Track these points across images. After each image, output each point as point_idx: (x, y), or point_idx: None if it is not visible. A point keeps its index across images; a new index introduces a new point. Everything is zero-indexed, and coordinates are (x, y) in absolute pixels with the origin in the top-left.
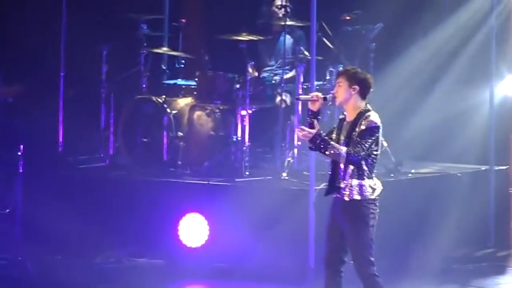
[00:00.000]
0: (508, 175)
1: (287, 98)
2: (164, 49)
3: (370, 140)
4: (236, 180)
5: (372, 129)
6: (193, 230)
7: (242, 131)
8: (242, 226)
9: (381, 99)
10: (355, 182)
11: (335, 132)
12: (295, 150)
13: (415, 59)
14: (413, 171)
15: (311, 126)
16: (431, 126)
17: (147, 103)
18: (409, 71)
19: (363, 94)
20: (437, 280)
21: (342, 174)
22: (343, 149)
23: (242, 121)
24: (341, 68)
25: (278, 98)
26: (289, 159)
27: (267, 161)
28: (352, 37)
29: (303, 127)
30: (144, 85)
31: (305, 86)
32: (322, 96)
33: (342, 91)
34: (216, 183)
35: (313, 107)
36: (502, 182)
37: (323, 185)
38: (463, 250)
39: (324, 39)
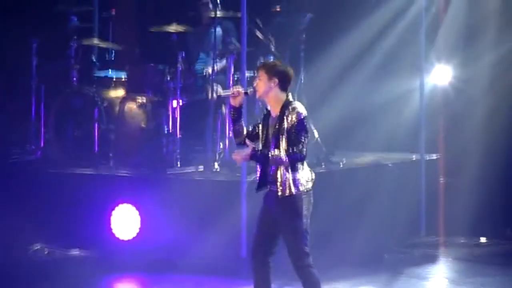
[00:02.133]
0: (438, 164)
1: (218, 89)
2: (94, 41)
3: (304, 133)
4: (168, 172)
5: (303, 121)
6: (125, 222)
7: (173, 122)
8: (174, 218)
9: (312, 90)
10: (288, 176)
11: (260, 127)
12: (227, 141)
13: (346, 49)
14: (344, 161)
15: (235, 121)
16: (362, 116)
17: (77, 95)
18: (340, 62)
19: (283, 86)
20: (370, 269)
21: (274, 169)
22: (282, 154)
23: (173, 112)
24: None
25: (209, 90)
26: (220, 150)
27: (198, 152)
28: (283, 28)
29: (236, 151)
30: (74, 78)
31: (236, 77)
32: (243, 90)
33: (262, 84)
34: (147, 175)
35: (234, 102)
36: (432, 171)
37: (254, 177)
38: (394, 239)
39: (255, 30)
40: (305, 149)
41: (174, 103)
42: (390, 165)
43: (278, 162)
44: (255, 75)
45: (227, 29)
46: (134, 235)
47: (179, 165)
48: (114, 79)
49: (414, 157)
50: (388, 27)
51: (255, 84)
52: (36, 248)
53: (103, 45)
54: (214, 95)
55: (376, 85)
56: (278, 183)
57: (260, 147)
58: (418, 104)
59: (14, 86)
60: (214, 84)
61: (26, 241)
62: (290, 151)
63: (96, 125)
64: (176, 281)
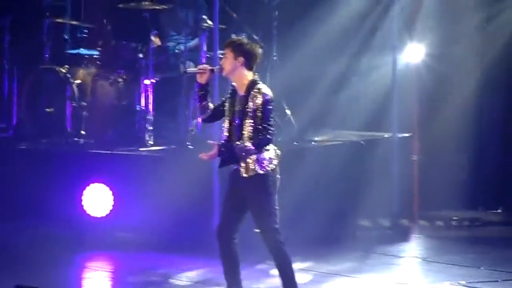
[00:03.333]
0: (411, 142)
1: (190, 67)
2: (66, 19)
3: (270, 115)
4: (140, 149)
5: (268, 102)
6: (97, 200)
7: (146, 100)
8: (146, 196)
9: (285, 67)
10: (253, 157)
11: (227, 105)
12: (199, 119)
13: (319, 27)
14: (316, 138)
15: (201, 99)
16: (335, 93)
17: (50, 73)
18: (312, 39)
19: (249, 65)
20: (342, 247)
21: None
22: (248, 144)
23: (146, 90)
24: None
25: (182, 67)
26: (192, 128)
27: (171, 130)
28: (255, 5)
29: (203, 154)
30: (47, 55)
31: (208, 55)
32: (210, 68)
33: (228, 62)
34: (120, 152)
35: (201, 79)
36: (405, 149)
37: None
38: (367, 218)
39: (227, 8)
40: (271, 132)
41: (147, 81)
42: (362, 142)
43: (246, 152)
44: (223, 51)
45: (199, 7)
46: (107, 212)
47: (151, 143)
48: (87, 57)
49: (386, 135)
50: (362, 5)
51: (221, 62)
52: (7, 226)
53: (75, 22)
54: (182, 71)
55: (349, 63)
56: (242, 164)
57: (227, 124)
58: (391, 82)
59: None
60: (187, 62)
61: None
62: (258, 136)
63: (69, 102)
64: (148, 259)
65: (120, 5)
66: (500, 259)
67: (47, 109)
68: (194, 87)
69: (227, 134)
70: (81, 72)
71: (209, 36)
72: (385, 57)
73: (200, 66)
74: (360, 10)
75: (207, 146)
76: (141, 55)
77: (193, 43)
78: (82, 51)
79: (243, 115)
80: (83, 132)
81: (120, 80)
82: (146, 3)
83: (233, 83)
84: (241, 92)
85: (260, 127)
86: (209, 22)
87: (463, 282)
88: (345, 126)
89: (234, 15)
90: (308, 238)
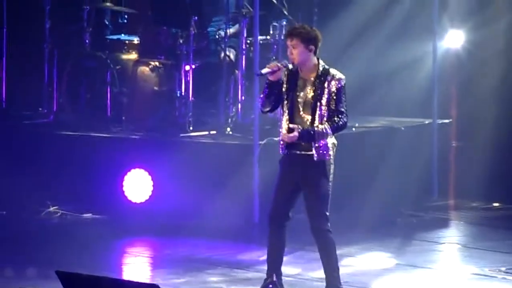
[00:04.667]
0: (451, 128)
1: (231, 53)
2: (107, 4)
3: (345, 100)
4: (181, 135)
5: (343, 88)
6: (137, 185)
7: (186, 86)
8: (187, 182)
9: (325, 54)
10: (323, 142)
11: (284, 88)
12: (239, 105)
13: (360, 13)
14: (356, 125)
15: (270, 95)
16: (375, 80)
17: (90, 58)
18: (353, 26)
19: (316, 51)
20: (382, 233)
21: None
22: (327, 126)
23: (186, 76)
24: (286, 26)
25: (222, 54)
26: (233, 114)
27: (211, 116)
28: None
29: (284, 133)
30: (87, 41)
31: (248, 41)
32: (282, 65)
33: (298, 53)
34: (160, 138)
35: (274, 77)
36: (445, 135)
37: (268, 140)
38: (407, 203)
39: None
40: (347, 116)
41: (187, 66)
42: (403, 128)
43: (324, 135)
44: (289, 42)
45: None
46: (147, 198)
47: (191, 129)
48: (127, 42)
49: (426, 121)
50: None
51: (289, 53)
52: (49, 210)
53: (116, 8)
54: (226, 59)
55: (389, 49)
56: (314, 148)
57: (287, 108)
58: (431, 69)
59: (27, 49)
60: (227, 48)
61: (39, 204)
62: (335, 120)
63: (109, 88)
64: (187, 245)
65: None
66: None
67: (87, 95)
68: (234, 73)
69: (288, 118)
70: (122, 57)
71: (249, 22)
72: (426, 43)
73: (272, 65)
74: None
75: (247, 132)
76: (181, 41)
77: (233, 29)
78: (123, 36)
79: (316, 101)
80: (123, 118)
81: (160, 66)
82: None
83: (290, 66)
84: (310, 76)
85: (335, 111)
86: (250, 8)
87: (503, 269)
88: (386, 112)
89: (275, 1)
90: (349, 224)
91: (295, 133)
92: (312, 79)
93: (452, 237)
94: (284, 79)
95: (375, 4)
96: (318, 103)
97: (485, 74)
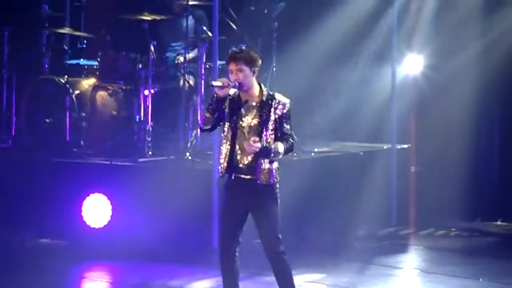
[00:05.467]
0: (409, 153)
1: (190, 78)
2: (66, 29)
3: (290, 122)
4: (139, 160)
5: (289, 111)
6: (96, 210)
7: (145, 111)
8: (146, 207)
9: (284, 78)
10: (268, 166)
11: (228, 113)
12: (198, 130)
13: (319, 38)
14: (316, 150)
15: (214, 112)
16: (334, 105)
17: (49, 83)
18: (312, 51)
19: (256, 74)
20: (340, 258)
21: (255, 158)
22: (280, 146)
23: (145, 101)
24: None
25: (181, 79)
26: (192, 139)
27: (170, 141)
28: (255, 17)
29: (253, 139)
30: (46, 66)
31: (207, 66)
32: (231, 83)
33: (244, 76)
34: (119, 163)
35: (223, 93)
36: (403, 160)
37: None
38: (365, 229)
39: (227, 19)
40: (293, 139)
41: (146, 91)
42: (361, 153)
43: (276, 155)
44: (234, 66)
45: (199, 18)
46: (105, 223)
47: (150, 153)
48: (86, 67)
49: (385, 146)
50: (360, 17)
51: (236, 77)
52: (6, 237)
53: (75, 33)
54: (186, 84)
55: (348, 74)
56: (259, 173)
57: (230, 133)
58: (389, 94)
59: None
60: (187, 73)
61: None
62: (287, 143)
63: (68, 113)
64: (146, 270)
65: (120, 16)
66: (499, 271)
67: (46, 120)
68: (192, 99)
69: (231, 144)
70: (81, 82)
71: (208, 47)
72: (384, 68)
73: (223, 80)
74: (358, 22)
75: (206, 157)
76: (140, 66)
77: (192, 54)
78: (82, 61)
79: (262, 124)
80: (82, 143)
81: (119, 90)
82: (146, 14)
83: (233, 92)
84: (254, 101)
85: (283, 134)
86: (209, 33)
87: None
88: (344, 137)
89: (234, 26)
90: (307, 248)
91: (258, 145)
92: (257, 104)
93: (411, 262)
94: (226, 104)
95: (335, 30)
96: (264, 128)
97: (444, 99)
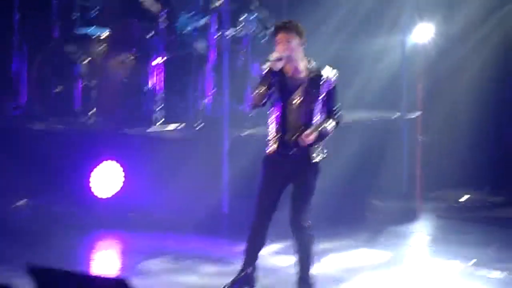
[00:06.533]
0: (417, 122)
1: (200, 47)
2: None
3: (337, 96)
4: (149, 129)
5: (336, 86)
6: (107, 178)
7: (155, 79)
8: (156, 175)
9: None
10: (316, 145)
11: (276, 87)
12: (208, 99)
13: (329, 6)
14: None
15: (269, 86)
16: (344, 74)
17: (59, 52)
18: (322, 19)
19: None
20: (351, 226)
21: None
22: (329, 125)
23: (156, 69)
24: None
25: (192, 47)
26: (202, 107)
27: (180, 109)
28: None
29: (307, 133)
30: (56, 34)
31: (218, 34)
32: (284, 56)
33: (293, 47)
34: (129, 131)
35: (276, 66)
36: (411, 129)
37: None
38: (377, 198)
39: None
40: (341, 113)
41: (157, 59)
42: (372, 122)
43: (326, 135)
44: (285, 36)
45: None
46: (117, 191)
47: (160, 122)
48: (96, 36)
49: (395, 115)
50: None
51: (284, 47)
52: (19, 204)
53: (84, 1)
54: (196, 52)
55: (357, 43)
56: (309, 151)
57: (279, 107)
58: (400, 62)
59: None
60: (196, 42)
61: (9, 197)
62: (335, 118)
63: (78, 81)
64: (157, 239)
65: None
66: (507, 239)
67: (56, 88)
68: (203, 67)
69: (282, 117)
70: (91, 51)
71: (218, 16)
72: (395, 37)
73: (277, 53)
74: None
75: (217, 126)
76: (150, 34)
77: (202, 22)
78: (92, 30)
79: (311, 97)
80: (92, 111)
81: (129, 59)
82: None
83: (277, 65)
84: (300, 74)
85: (332, 110)
86: (219, 1)
87: (472, 262)
88: (355, 106)
89: None
90: (318, 217)
91: (311, 137)
92: (304, 80)
93: (422, 230)
94: (269, 77)
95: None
96: (314, 107)
97: (454, 69)
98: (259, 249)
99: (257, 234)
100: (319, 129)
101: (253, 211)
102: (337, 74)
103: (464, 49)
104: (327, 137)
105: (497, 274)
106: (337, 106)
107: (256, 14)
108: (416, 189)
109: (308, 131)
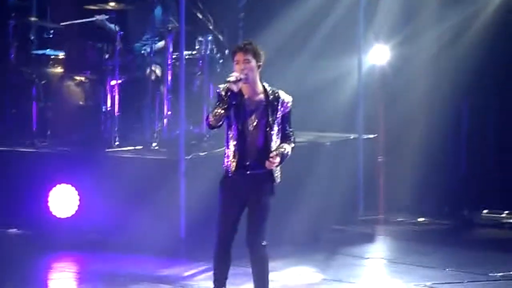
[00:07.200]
0: (376, 143)
1: (156, 68)
2: (32, 19)
3: (291, 121)
4: (106, 150)
5: (291, 110)
6: (63, 200)
7: (112, 101)
8: (113, 197)
9: None
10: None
11: (232, 109)
12: (165, 120)
13: (285, 28)
14: None
15: (229, 108)
16: (300, 95)
17: (15, 73)
18: (279, 41)
19: (260, 69)
20: (307, 248)
21: (262, 155)
22: (289, 148)
23: (112, 91)
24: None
25: (148, 69)
26: (158, 129)
27: (137, 131)
28: (221, 6)
29: (269, 164)
30: (12, 55)
31: (174, 56)
32: (242, 77)
33: (251, 68)
34: (85, 153)
35: (236, 87)
36: (370, 150)
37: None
38: (332, 219)
39: (193, 9)
40: (295, 136)
41: (113, 81)
42: (328, 144)
43: (286, 158)
44: (242, 57)
45: (167, 7)
46: (72, 213)
47: (117, 144)
48: (53, 57)
49: (352, 136)
50: (327, 7)
51: (242, 68)
52: None
53: (41, 23)
54: (152, 74)
55: (314, 65)
56: (275, 171)
57: (235, 129)
58: (356, 84)
59: None
60: (153, 64)
61: None
62: (291, 141)
63: (34, 103)
64: (113, 261)
65: (87, 5)
66: (465, 260)
67: (13, 110)
68: (159, 89)
69: (240, 138)
70: (47, 72)
71: (175, 38)
72: (351, 58)
73: (235, 74)
74: (325, 12)
75: (173, 147)
76: (107, 56)
77: (159, 44)
78: (48, 51)
79: (268, 119)
80: (48, 133)
81: (86, 80)
82: (112, 3)
83: (235, 86)
84: (257, 98)
85: (287, 132)
86: (176, 23)
87: (429, 284)
88: (311, 128)
89: (200, 16)
90: (273, 239)
91: (277, 159)
92: (262, 102)
93: (378, 252)
94: (227, 100)
95: (301, 20)
96: (271, 129)
97: (410, 89)
98: (227, 271)
99: (221, 258)
100: (282, 151)
101: (215, 235)
102: (291, 100)
103: (421, 70)
104: (284, 160)
105: None
106: (292, 129)
107: (211, 35)
108: (372, 210)
109: (274, 153)
